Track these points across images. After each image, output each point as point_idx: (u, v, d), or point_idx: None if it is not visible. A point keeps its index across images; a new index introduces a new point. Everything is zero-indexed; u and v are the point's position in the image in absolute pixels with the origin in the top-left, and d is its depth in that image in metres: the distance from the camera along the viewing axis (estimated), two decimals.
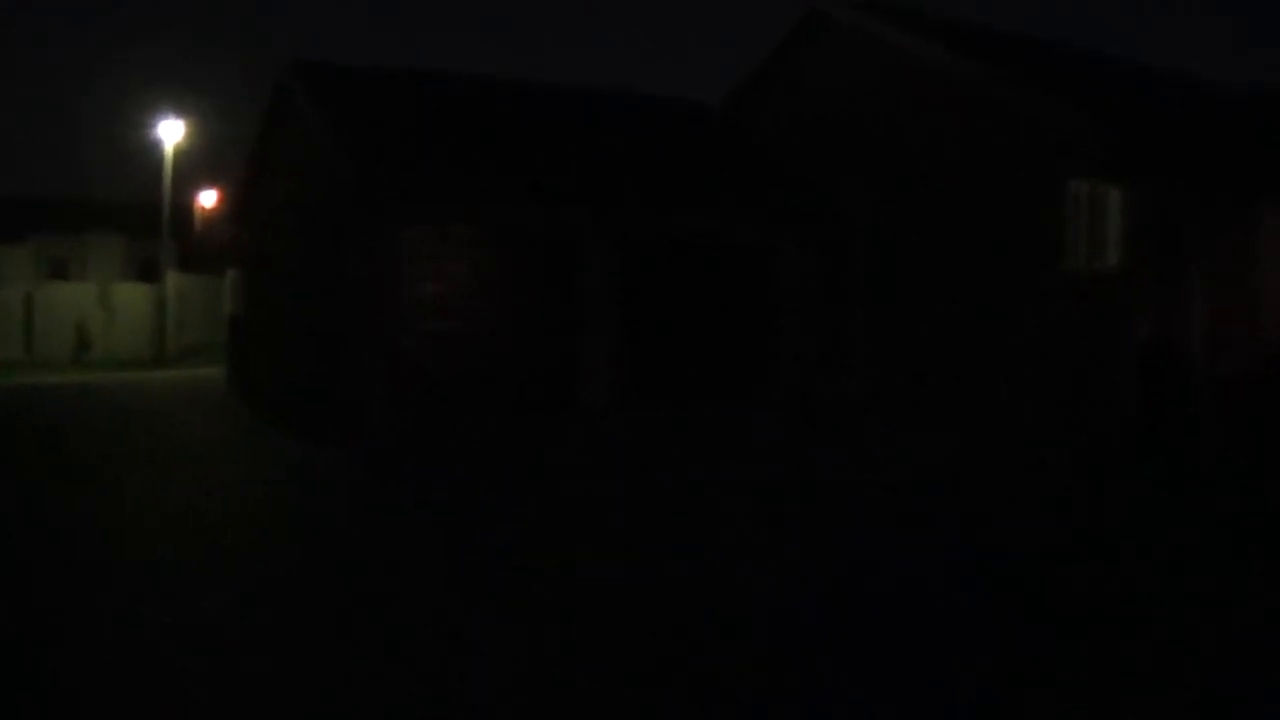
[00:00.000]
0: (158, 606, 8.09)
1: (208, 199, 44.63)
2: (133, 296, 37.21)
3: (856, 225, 18.33)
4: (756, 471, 13.77)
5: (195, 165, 43.35)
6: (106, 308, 36.47)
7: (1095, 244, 15.88)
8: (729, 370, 18.30)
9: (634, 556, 9.66)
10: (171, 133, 37.71)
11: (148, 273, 40.16)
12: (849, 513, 11.63)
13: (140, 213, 42.53)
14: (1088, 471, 13.79)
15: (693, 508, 11.75)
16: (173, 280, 37.41)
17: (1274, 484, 13.28)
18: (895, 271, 17.70)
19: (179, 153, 38.49)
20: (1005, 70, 16.88)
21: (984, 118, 16.51)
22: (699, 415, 17.07)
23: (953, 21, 20.11)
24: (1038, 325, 15.69)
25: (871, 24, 18.43)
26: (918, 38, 17.71)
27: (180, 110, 38.48)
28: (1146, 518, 11.48)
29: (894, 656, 7.07)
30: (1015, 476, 13.65)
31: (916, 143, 17.39)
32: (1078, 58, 21.62)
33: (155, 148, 37.65)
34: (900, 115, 17.71)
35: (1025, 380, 15.69)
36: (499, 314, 16.80)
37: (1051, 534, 10.74)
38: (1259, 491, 12.85)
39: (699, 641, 7.30)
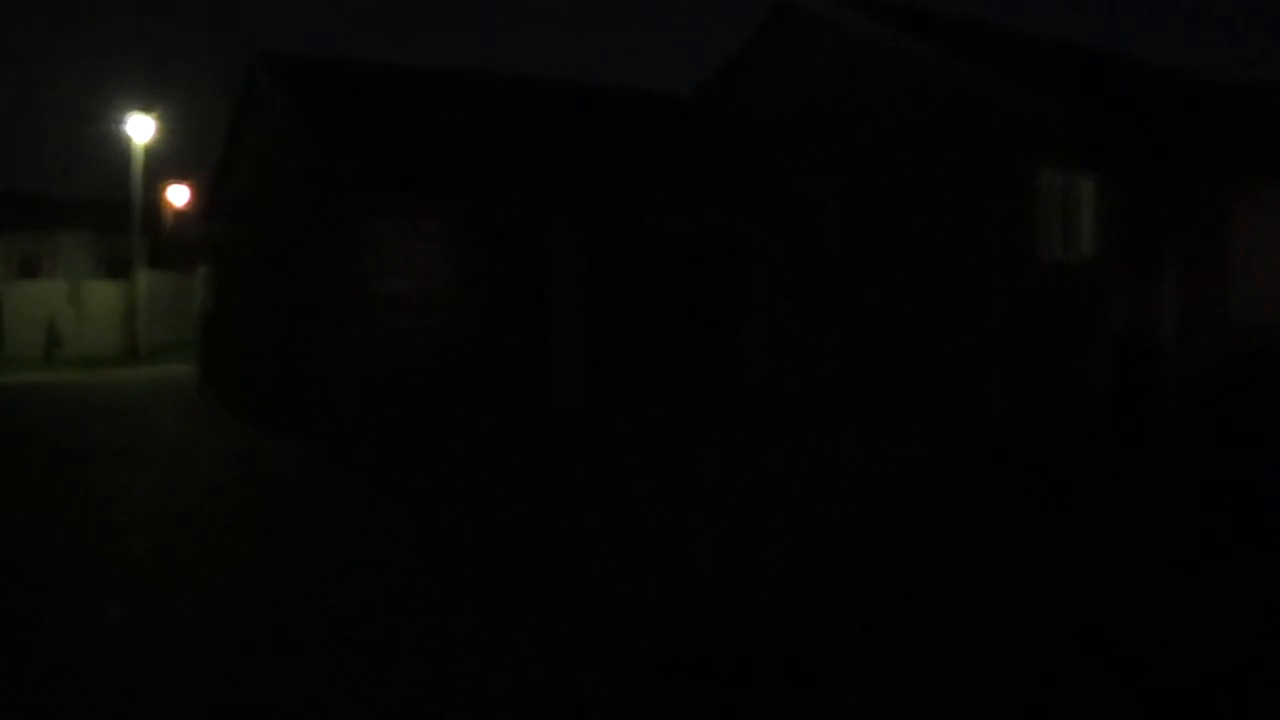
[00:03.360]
0: (121, 605, 8.04)
1: (178, 195, 44.36)
2: (104, 294, 37.01)
3: (827, 215, 18.34)
4: (717, 466, 13.68)
5: (166, 161, 43.11)
6: (77, 305, 36.26)
7: (1067, 234, 15.92)
8: (701, 363, 18.31)
9: (595, 545, 9.66)
10: (141, 129, 37.49)
11: (118, 270, 39.96)
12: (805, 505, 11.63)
13: (111, 209, 42.26)
14: (1048, 463, 13.83)
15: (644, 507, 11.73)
16: (144, 277, 37.21)
17: (1239, 472, 13.34)
18: (867, 262, 17.70)
19: (149, 149, 38.26)
20: (975, 58, 16.88)
21: (954, 106, 16.51)
22: (670, 409, 17.04)
23: (923, 10, 20.14)
24: (1009, 315, 15.72)
25: (841, 13, 18.42)
26: (888, 26, 17.71)
27: (150, 106, 38.09)
28: (1089, 501, 11.56)
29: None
30: (975, 466, 13.69)
31: (888, 132, 17.39)
32: (1051, 46, 21.70)
33: (125, 144, 37.46)
34: (871, 104, 17.71)
35: (996, 370, 15.73)
36: (468, 308, 16.77)
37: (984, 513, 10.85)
38: (1222, 480, 12.92)
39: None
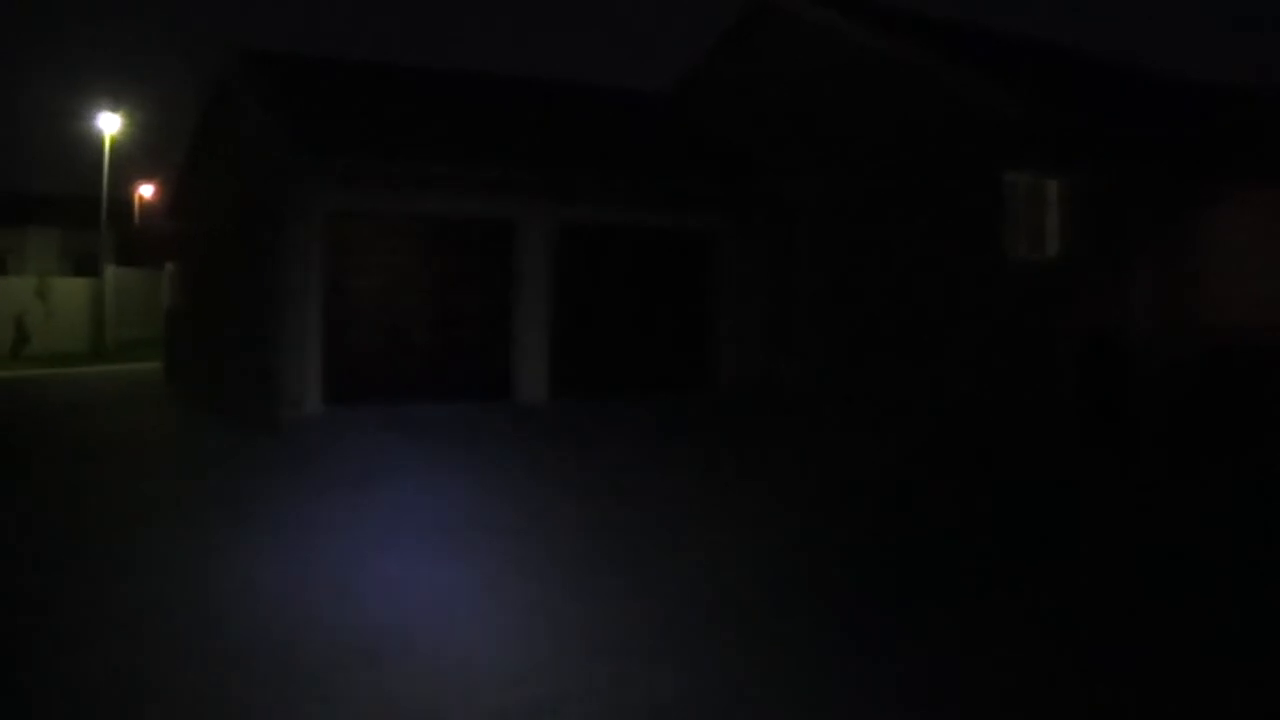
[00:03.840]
0: (84, 593, 8.18)
1: (147, 192, 44.27)
2: (71, 290, 36.87)
3: (800, 212, 18.48)
4: (679, 467, 13.81)
5: (134, 158, 42.94)
6: (45, 302, 36.13)
7: (1035, 233, 16.15)
8: (671, 359, 18.48)
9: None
10: (109, 125, 37.42)
11: (86, 266, 39.82)
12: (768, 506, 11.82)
13: (79, 206, 42.13)
14: (1012, 463, 14.06)
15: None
16: (111, 274, 37.11)
17: (1205, 468, 13.59)
18: (839, 261, 17.82)
19: (117, 145, 38.22)
20: (947, 59, 16.98)
21: (925, 105, 16.62)
22: (638, 407, 17.19)
23: (898, 10, 20.29)
24: (979, 314, 15.86)
25: (815, 13, 18.58)
26: (860, 25, 17.84)
27: (119, 102, 38.09)
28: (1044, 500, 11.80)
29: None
30: (939, 465, 13.92)
31: (860, 129, 17.51)
32: (1023, 47, 21.81)
33: (93, 140, 37.40)
34: (844, 102, 17.84)
35: (966, 369, 15.86)
36: (434, 305, 16.91)
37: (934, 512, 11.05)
38: (1187, 476, 13.19)
39: None
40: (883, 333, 16.99)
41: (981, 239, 15.86)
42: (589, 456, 14.31)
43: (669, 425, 16.50)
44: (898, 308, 16.79)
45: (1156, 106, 20.30)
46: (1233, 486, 12.58)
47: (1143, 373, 16.05)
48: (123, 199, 43.41)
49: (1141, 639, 7.28)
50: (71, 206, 43.10)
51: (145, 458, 15.01)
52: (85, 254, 40.80)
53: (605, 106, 21.59)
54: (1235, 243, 17.55)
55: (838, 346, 17.66)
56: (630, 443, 15.22)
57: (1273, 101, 22.83)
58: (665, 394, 17.90)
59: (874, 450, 14.58)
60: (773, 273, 18.87)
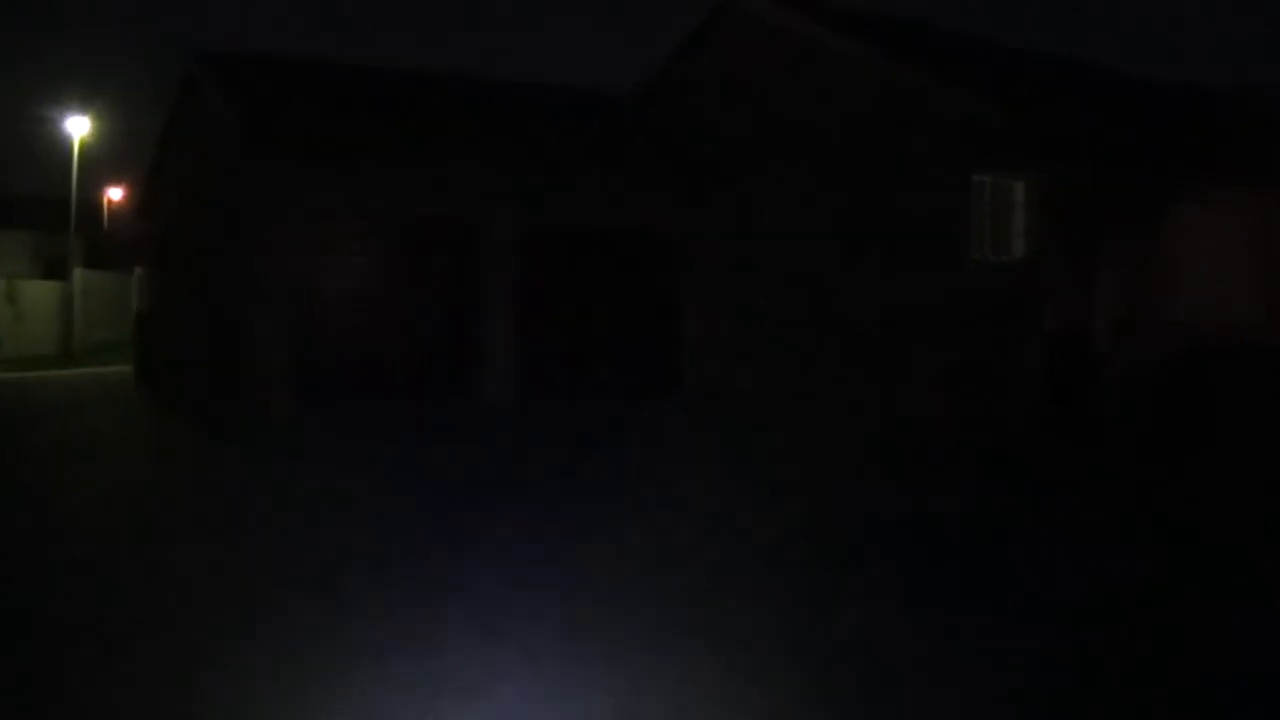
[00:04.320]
0: (50, 605, 8.15)
1: (116, 195, 44.08)
2: (40, 293, 36.64)
3: (764, 215, 18.53)
4: (630, 470, 13.82)
5: (104, 160, 42.80)
6: (14, 305, 35.91)
7: (1001, 235, 16.23)
8: (635, 363, 18.54)
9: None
10: (79, 127, 37.27)
11: (57, 269, 39.61)
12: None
13: (48, 208, 41.95)
14: (968, 463, 14.13)
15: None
16: (80, 277, 36.94)
17: (1166, 468, 13.69)
18: (804, 262, 17.87)
19: (87, 148, 38.07)
20: (911, 60, 17.08)
21: (890, 107, 16.70)
22: (601, 410, 17.24)
23: (862, 12, 20.37)
24: (945, 316, 15.94)
25: (779, 14, 18.66)
26: (825, 27, 17.92)
27: (88, 105, 37.99)
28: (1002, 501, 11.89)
29: None
30: (900, 468, 13.98)
31: (825, 132, 17.56)
32: (988, 48, 21.96)
33: (62, 143, 37.24)
34: (809, 105, 17.90)
35: (932, 371, 15.93)
36: (402, 306, 16.92)
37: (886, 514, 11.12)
38: (1147, 476, 13.28)
39: None
40: (847, 335, 17.03)
41: (948, 241, 15.92)
42: (548, 454, 14.37)
43: (627, 427, 16.52)
44: (862, 310, 16.84)
45: (1125, 108, 20.46)
46: (1189, 487, 12.68)
47: (1108, 374, 16.17)
48: (92, 202, 43.18)
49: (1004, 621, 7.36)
50: (42, 209, 42.89)
51: (115, 464, 14.91)
52: (56, 257, 40.59)
53: (571, 109, 21.65)
54: (1202, 244, 17.70)
55: (801, 349, 17.70)
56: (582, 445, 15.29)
57: (1240, 103, 23.07)
58: (629, 394, 17.94)
59: (826, 453, 14.65)
60: (737, 276, 18.91)
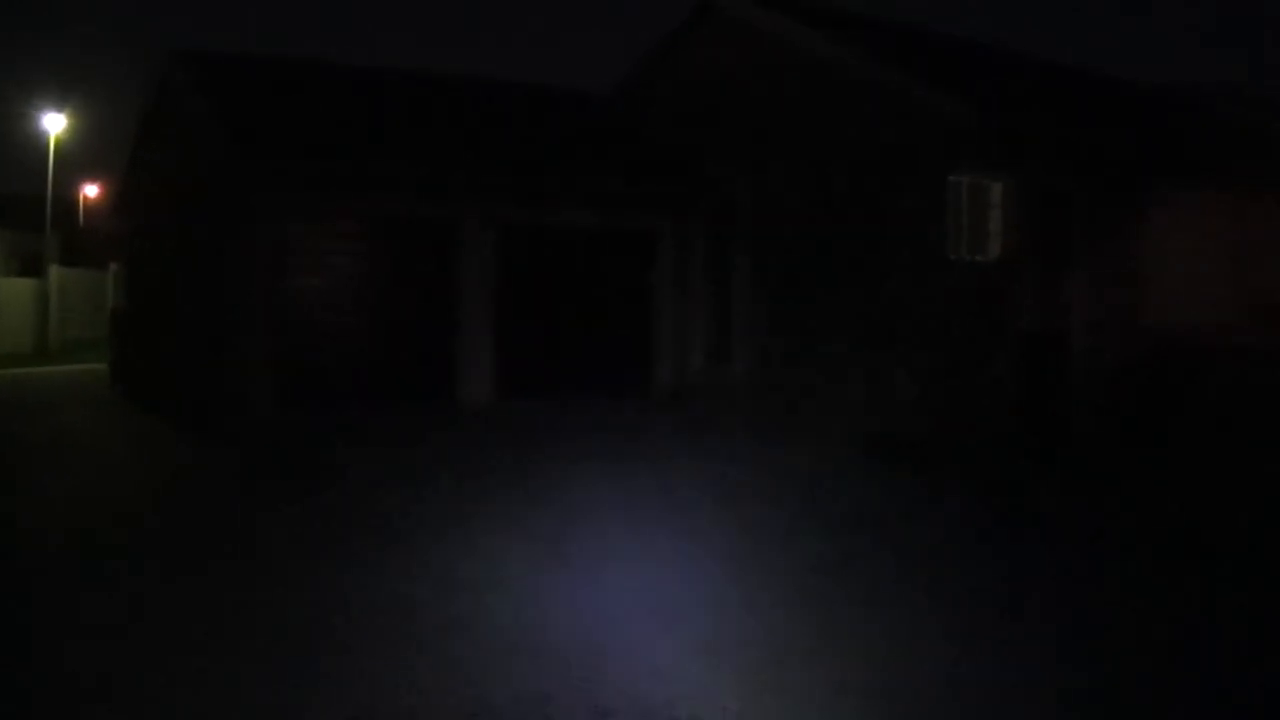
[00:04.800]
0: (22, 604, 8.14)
1: (92, 192, 43.89)
2: (15, 291, 36.49)
3: (741, 213, 18.54)
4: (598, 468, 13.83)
5: (80, 157, 42.55)
6: None
7: (977, 234, 16.28)
8: (612, 361, 18.54)
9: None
10: (54, 124, 37.09)
11: (31, 267, 39.44)
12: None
13: (23, 206, 41.72)
14: (938, 463, 14.19)
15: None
16: (56, 274, 36.79)
17: (1136, 469, 13.77)
18: (781, 262, 17.86)
19: (62, 145, 37.88)
20: (889, 60, 17.07)
21: (868, 107, 16.67)
22: (578, 409, 17.24)
23: (841, 11, 20.38)
24: (920, 316, 15.96)
25: (758, 14, 18.66)
26: (804, 27, 17.90)
27: (64, 102, 37.73)
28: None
29: None
30: (873, 465, 14.04)
31: (803, 131, 17.55)
32: (966, 49, 22.01)
33: (38, 140, 37.05)
34: (787, 105, 17.89)
35: (905, 370, 15.95)
36: (378, 306, 16.90)
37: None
38: (1122, 478, 13.37)
39: None
40: (823, 334, 17.05)
41: (923, 238, 15.94)
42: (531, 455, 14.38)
43: (606, 428, 16.55)
44: (838, 309, 16.85)
45: (1102, 111, 20.57)
46: (1157, 485, 12.78)
47: (1083, 374, 16.24)
48: (68, 199, 42.98)
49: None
50: (17, 206, 42.67)
51: (88, 464, 14.87)
52: (31, 254, 40.36)
53: (549, 108, 21.63)
54: (1177, 246, 17.81)
55: (778, 347, 17.72)
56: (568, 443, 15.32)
57: (1214, 105, 23.22)
58: (608, 395, 17.96)
59: (801, 451, 14.72)
60: (714, 274, 18.93)
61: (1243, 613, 7.94)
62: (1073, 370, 16.10)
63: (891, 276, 16.17)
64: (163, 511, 11.57)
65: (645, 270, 19.01)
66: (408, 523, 10.58)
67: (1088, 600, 8.20)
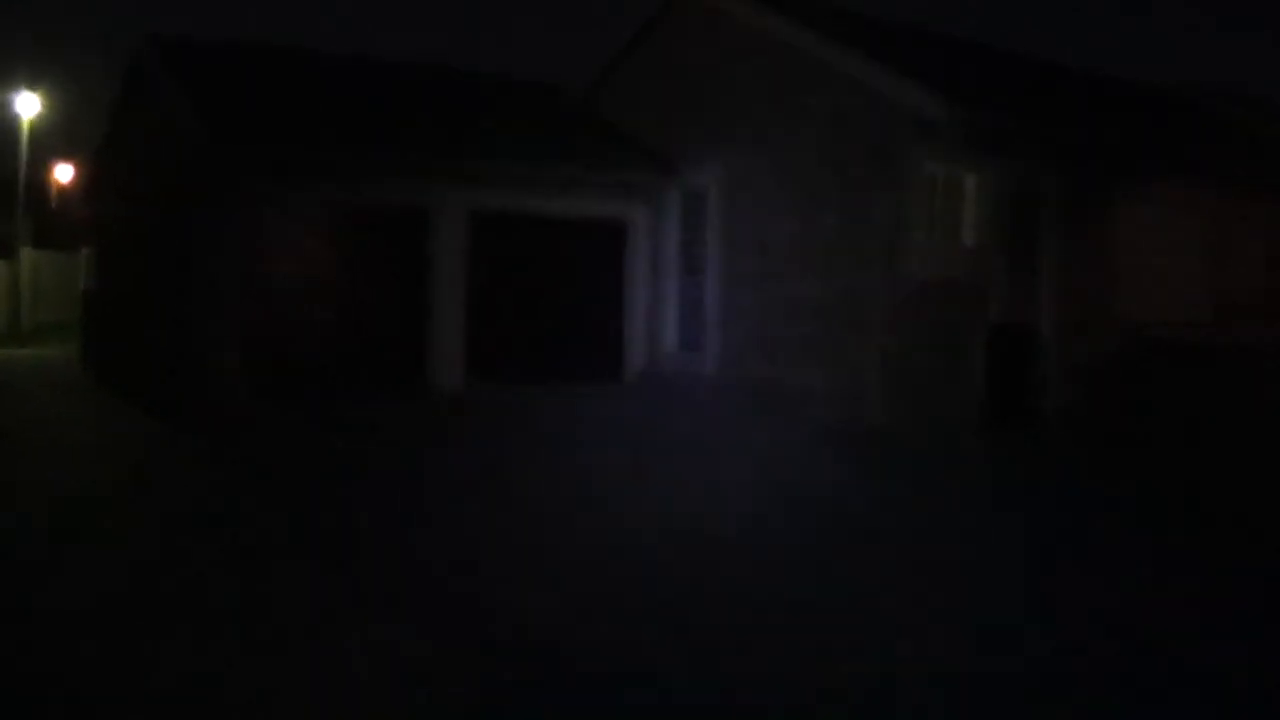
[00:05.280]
0: None
1: (65, 174, 43.56)
2: None
3: (712, 203, 18.53)
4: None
5: (52, 139, 42.10)
6: None
7: (951, 227, 16.32)
8: (583, 348, 18.56)
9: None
10: (27, 106, 36.82)
11: (2, 249, 39.17)
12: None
13: None
14: (901, 454, 14.23)
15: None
16: (28, 257, 36.56)
17: (1109, 463, 13.83)
18: (751, 247, 17.86)
19: (35, 126, 37.61)
20: (863, 51, 17.05)
21: (841, 98, 16.63)
22: (549, 397, 17.24)
23: (812, 2, 20.36)
24: (891, 306, 15.97)
25: (728, 4, 18.66)
26: (776, 18, 17.90)
27: (37, 83, 37.44)
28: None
29: None
30: (837, 455, 14.07)
31: (777, 121, 17.54)
32: (941, 41, 22.06)
33: (10, 122, 36.77)
34: (759, 95, 17.86)
35: (877, 361, 15.96)
36: (351, 292, 16.83)
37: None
38: (1085, 466, 13.43)
39: None
40: (794, 322, 17.03)
41: (894, 231, 15.94)
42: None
43: (576, 417, 16.54)
44: (809, 297, 16.84)
45: (1081, 106, 20.64)
46: (1122, 478, 12.85)
47: (1052, 367, 16.33)
48: (41, 182, 42.67)
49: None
50: None
51: (51, 450, 14.79)
52: (3, 237, 40.04)
53: (519, 96, 21.62)
54: (1150, 241, 17.91)
55: (748, 335, 17.72)
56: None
57: (1190, 101, 23.34)
58: (579, 382, 17.97)
59: (766, 440, 14.75)
60: (686, 262, 18.97)
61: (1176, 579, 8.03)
62: (1042, 363, 16.17)
63: (863, 266, 16.17)
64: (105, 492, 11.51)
65: (618, 257, 19.02)
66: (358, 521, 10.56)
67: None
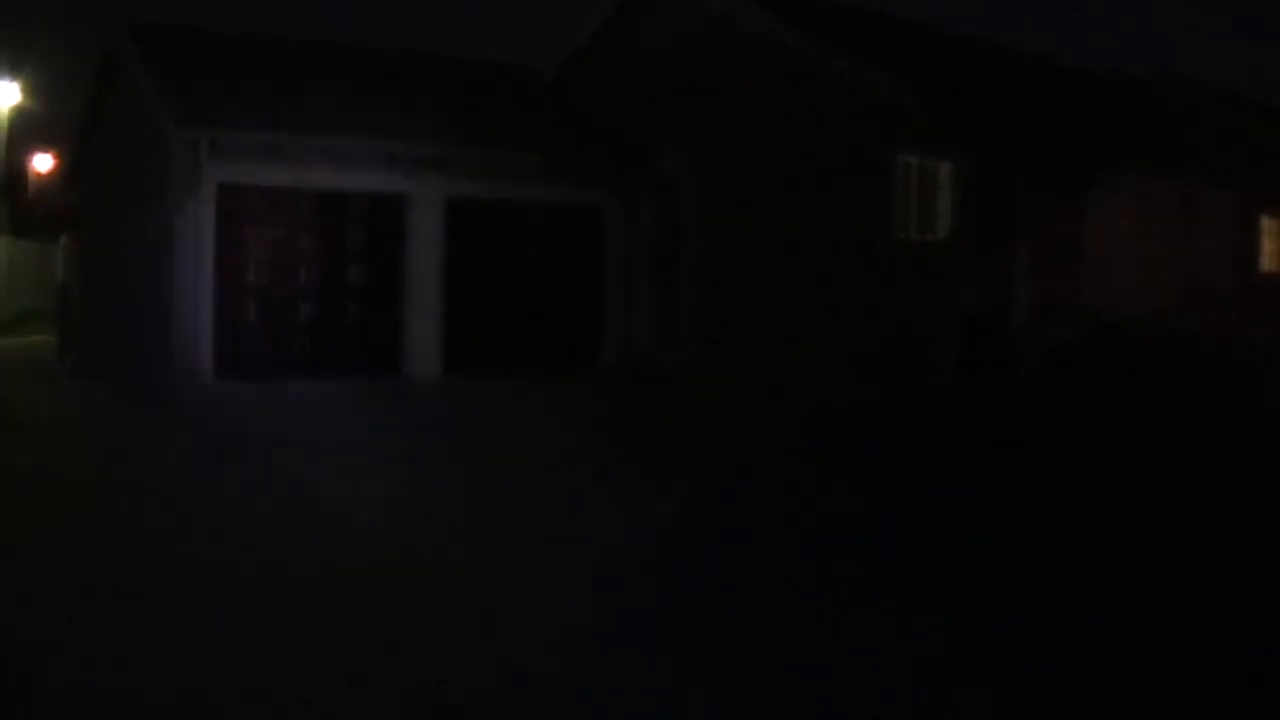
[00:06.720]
0: None
1: (42, 163, 43.35)
2: None
3: (687, 192, 18.60)
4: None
5: (30, 128, 41.87)
6: None
7: (924, 216, 16.43)
8: (559, 337, 18.64)
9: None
10: (6, 95, 36.67)
11: None
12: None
13: None
14: (871, 440, 14.33)
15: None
16: (4, 246, 36.38)
17: (1068, 451, 13.93)
18: (726, 239, 17.95)
19: (13, 115, 37.44)
20: (836, 42, 17.15)
21: (815, 88, 16.74)
22: (524, 383, 17.28)
23: None
24: (865, 295, 16.10)
25: None
26: (748, 7, 17.96)
27: (14, 71, 37.25)
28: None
29: None
30: (811, 438, 14.17)
31: (749, 112, 17.62)
32: (916, 31, 22.12)
33: None
34: (732, 84, 17.92)
35: (849, 348, 16.08)
36: (327, 279, 16.90)
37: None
38: (1044, 458, 13.55)
39: None
40: (768, 311, 17.17)
41: (869, 218, 16.08)
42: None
43: (551, 402, 16.61)
44: (784, 286, 16.95)
45: (1055, 97, 20.77)
46: (1087, 468, 12.95)
47: (1024, 355, 16.44)
48: (18, 169, 42.44)
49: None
50: None
51: (22, 432, 14.82)
52: None
53: (494, 83, 21.59)
54: (1121, 231, 18.07)
55: (723, 324, 17.82)
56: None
57: (1160, 92, 23.49)
58: (555, 371, 18.04)
59: (738, 427, 14.83)
60: (659, 251, 19.02)
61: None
62: (1012, 350, 16.29)
63: (836, 255, 16.30)
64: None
65: (593, 245, 19.09)
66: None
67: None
